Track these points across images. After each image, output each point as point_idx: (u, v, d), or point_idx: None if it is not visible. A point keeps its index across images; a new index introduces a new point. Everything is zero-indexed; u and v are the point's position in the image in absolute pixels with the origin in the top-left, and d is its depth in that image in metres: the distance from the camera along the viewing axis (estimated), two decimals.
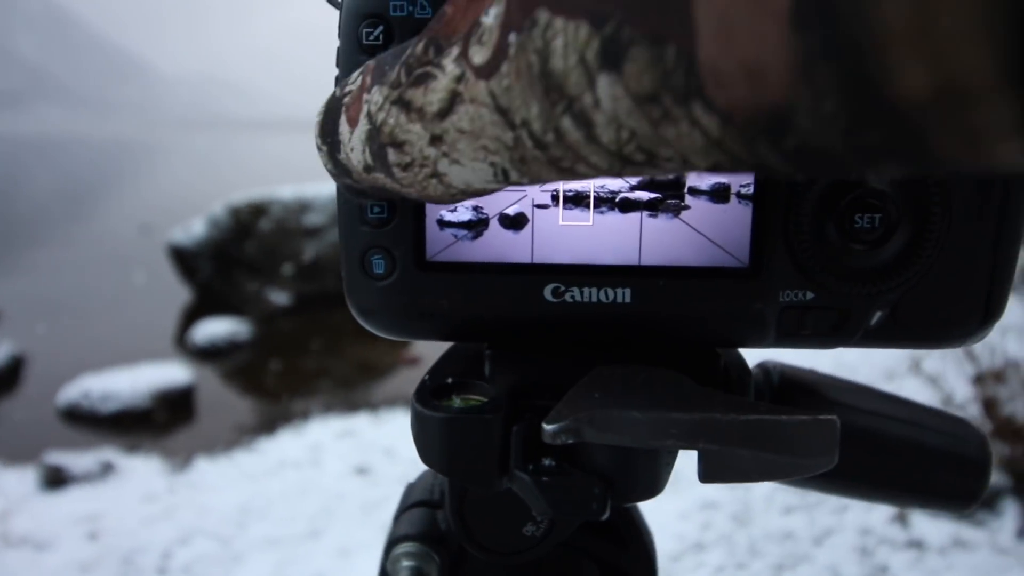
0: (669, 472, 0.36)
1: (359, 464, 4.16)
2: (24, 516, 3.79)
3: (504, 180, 0.24)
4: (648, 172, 0.21)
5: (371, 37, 0.34)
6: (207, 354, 6.89)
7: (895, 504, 0.49)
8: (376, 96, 0.26)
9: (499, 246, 0.36)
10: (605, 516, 0.32)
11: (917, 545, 2.99)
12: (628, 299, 0.36)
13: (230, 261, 8.29)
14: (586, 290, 0.36)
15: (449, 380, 0.36)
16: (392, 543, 0.43)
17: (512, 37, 0.21)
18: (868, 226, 0.34)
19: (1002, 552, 2.87)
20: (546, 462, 0.33)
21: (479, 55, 0.22)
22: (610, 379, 0.34)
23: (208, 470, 4.37)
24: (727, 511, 3.36)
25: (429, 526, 0.42)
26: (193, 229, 8.47)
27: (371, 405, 5.24)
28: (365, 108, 0.26)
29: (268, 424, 5.12)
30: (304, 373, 6.42)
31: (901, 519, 3.15)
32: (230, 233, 8.30)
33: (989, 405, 3.17)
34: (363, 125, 0.27)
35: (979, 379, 3.25)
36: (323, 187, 8.28)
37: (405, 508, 0.45)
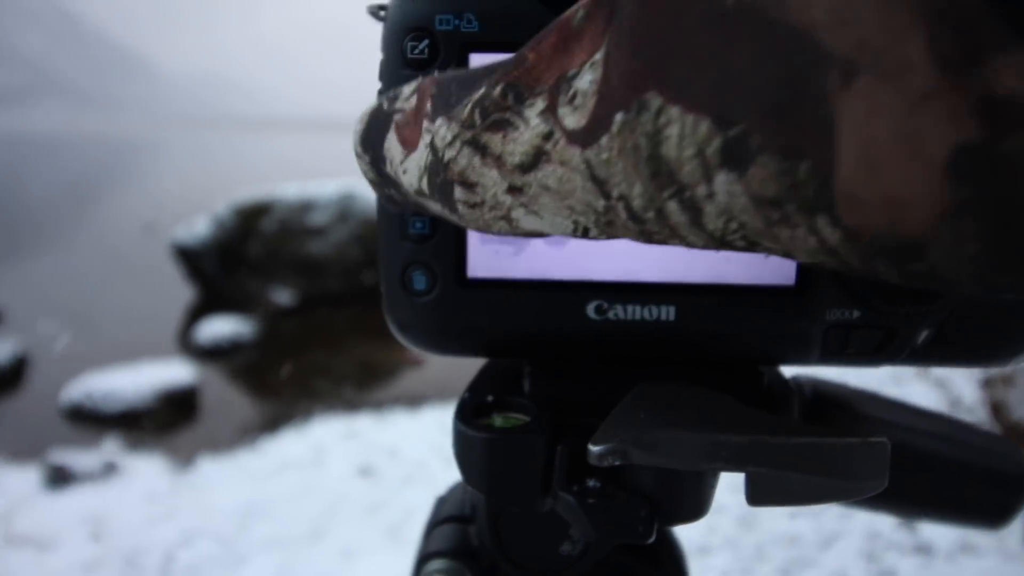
0: (713, 493, 0.35)
1: (363, 465, 4.15)
2: (27, 515, 3.79)
3: (583, 235, 0.23)
4: (741, 251, 0.20)
5: (416, 51, 0.34)
6: (210, 353, 6.90)
7: (930, 520, 0.49)
8: (443, 131, 0.25)
9: (540, 263, 0.35)
10: (651, 539, 0.32)
11: (924, 550, 2.99)
12: (672, 317, 0.35)
13: (234, 260, 8.30)
14: (630, 307, 0.35)
15: (489, 398, 0.35)
16: (424, 559, 0.42)
17: (618, 116, 0.20)
18: None
19: (1010, 558, 2.87)
20: (591, 483, 0.32)
21: (572, 119, 0.21)
22: (655, 398, 0.33)
23: (211, 470, 4.37)
24: (732, 515, 3.36)
25: (461, 542, 0.42)
26: (196, 228, 8.47)
27: (375, 405, 5.24)
28: (428, 138, 0.25)
29: (271, 424, 5.12)
30: (308, 373, 6.42)
31: (908, 524, 3.14)
32: (234, 232, 8.30)
33: (997, 409, 3.17)
34: (423, 153, 0.26)
35: (987, 383, 3.25)
36: (327, 186, 8.30)
37: (436, 523, 0.44)
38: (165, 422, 5.45)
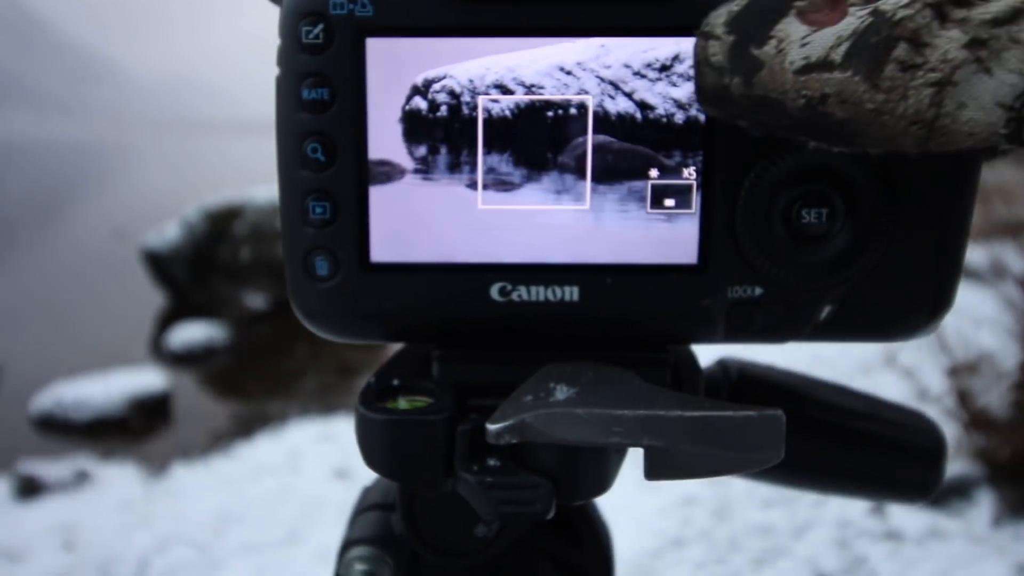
0: (618, 469, 0.35)
1: (338, 467, 4.13)
2: None
3: (1020, 105, 0.24)
4: None
5: (311, 35, 0.34)
6: (183, 359, 6.82)
7: (852, 496, 0.49)
8: None
9: (444, 246, 0.35)
10: (550, 516, 0.32)
11: (894, 536, 3.03)
12: (576, 297, 0.36)
13: (205, 265, 8.22)
14: (533, 288, 0.36)
15: (395, 382, 0.35)
16: (346, 546, 0.42)
17: None
18: (815, 221, 0.34)
19: (977, 541, 2.91)
20: (491, 462, 0.32)
21: None
22: (557, 377, 0.34)
23: (185, 477, 4.33)
24: (707, 507, 3.38)
25: (383, 529, 0.42)
26: (167, 233, 8.38)
27: (351, 408, 5.22)
28: (863, 10, 0.26)
29: (246, 429, 5.07)
30: (282, 376, 6.37)
31: (879, 511, 3.18)
32: (205, 236, 8.22)
33: (963, 397, 3.21)
34: (848, 24, 0.26)
35: (954, 371, 3.29)
36: None
37: (360, 511, 0.44)
38: (138, 429, 5.38)
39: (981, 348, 3.34)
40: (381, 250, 0.35)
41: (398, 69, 0.34)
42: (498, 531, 0.38)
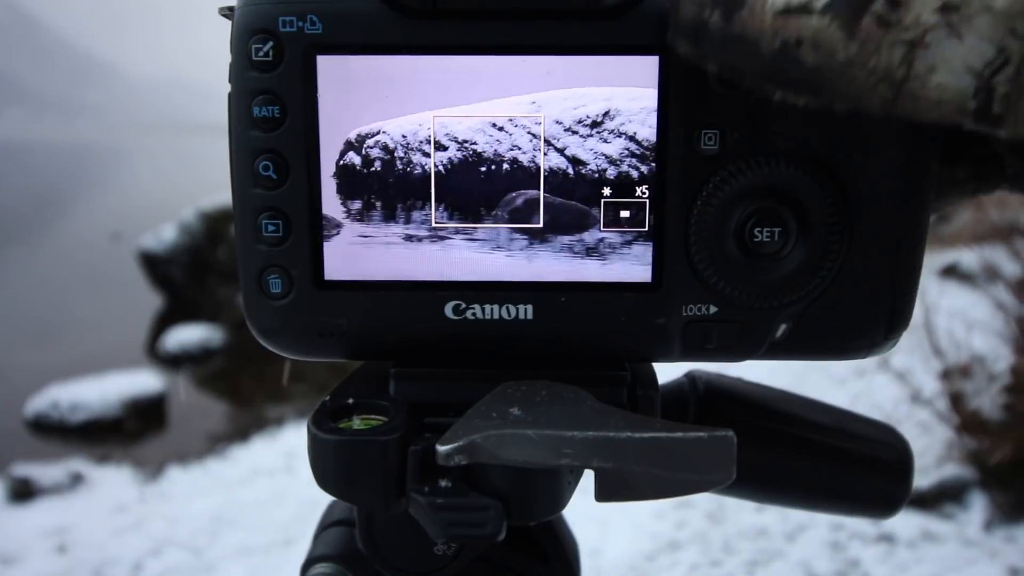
0: (573, 489, 0.35)
1: None
2: None
3: (995, 71, 0.24)
4: None
5: (261, 53, 0.33)
6: (179, 361, 6.81)
7: (819, 510, 0.49)
8: None
9: (398, 264, 0.35)
10: (501, 538, 0.32)
11: (887, 539, 3.03)
12: (530, 316, 0.36)
13: (202, 267, 8.21)
14: (487, 307, 0.35)
15: (350, 400, 0.35)
16: (309, 563, 0.42)
17: None
18: (768, 239, 0.34)
19: (970, 544, 2.91)
20: (443, 483, 0.32)
21: None
22: (511, 397, 0.33)
23: (180, 479, 4.32)
24: (701, 509, 3.38)
25: (346, 546, 0.42)
26: (164, 235, 8.38)
27: None
28: None
29: (242, 431, 5.07)
30: (278, 379, 6.35)
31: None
32: (201, 239, 8.22)
33: (956, 400, 3.22)
34: None
35: (946, 374, 3.29)
36: None
37: (324, 527, 0.44)
38: (133, 432, 5.37)
39: (973, 351, 3.35)
40: (335, 268, 0.35)
41: (349, 85, 0.34)
42: (457, 549, 0.38)
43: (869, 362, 3.67)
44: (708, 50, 0.30)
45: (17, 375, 6.38)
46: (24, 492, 4.10)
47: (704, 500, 3.46)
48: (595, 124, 0.34)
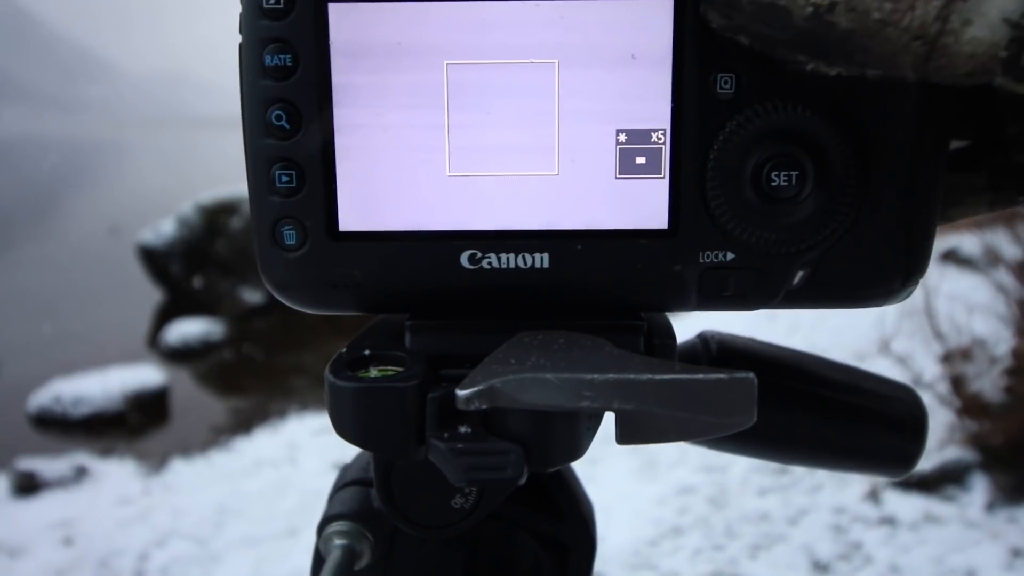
0: (591, 436, 0.35)
1: (337, 460, 4.13)
2: None
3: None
4: None
5: (271, 1, 0.33)
6: (180, 355, 6.82)
7: (833, 468, 0.49)
8: None
9: (413, 213, 0.35)
10: (522, 481, 0.32)
11: (889, 521, 3.04)
12: (547, 264, 0.35)
13: (201, 261, 8.21)
14: (503, 256, 0.35)
15: (367, 352, 0.35)
16: (325, 522, 0.42)
17: None
18: (784, 183, 0.33)
19: (972, 526, 2.92)
20: (462, 429, 0.32)
21: None
22: (529, 345, 0.33)
23: (184, 471, 4.33)
24: (703, 494, 3.39)
25: (362, 504, 0.42)
26: (163, 229, 8.37)
27: None
28: None
29: (244, 423, 5.08)
30: (280, 371, 6.37)
31: (873, 496, 3.19)
32: (200, 232, 8.21)
33: (957, 383, 3.22)
34: None
35: (947, 358, 3.30)
36: None
37: (339, 488, 0.44)
38: (136, 425, 5.38)
39: (974, 334, 3.35)
40: (349, 219, 0.35)
41: (361, 33, 0.34)
42: (475, 502, 0.38)
43: (869, 346, 3.68)
44: (740, 21, 0.29)
45: (20, 369, 6.39)
46: (29, 486, 4.11)
47: (705, 486, 3.47)
48: (609, 69, 0.34)
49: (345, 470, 0.46)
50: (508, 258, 0.35)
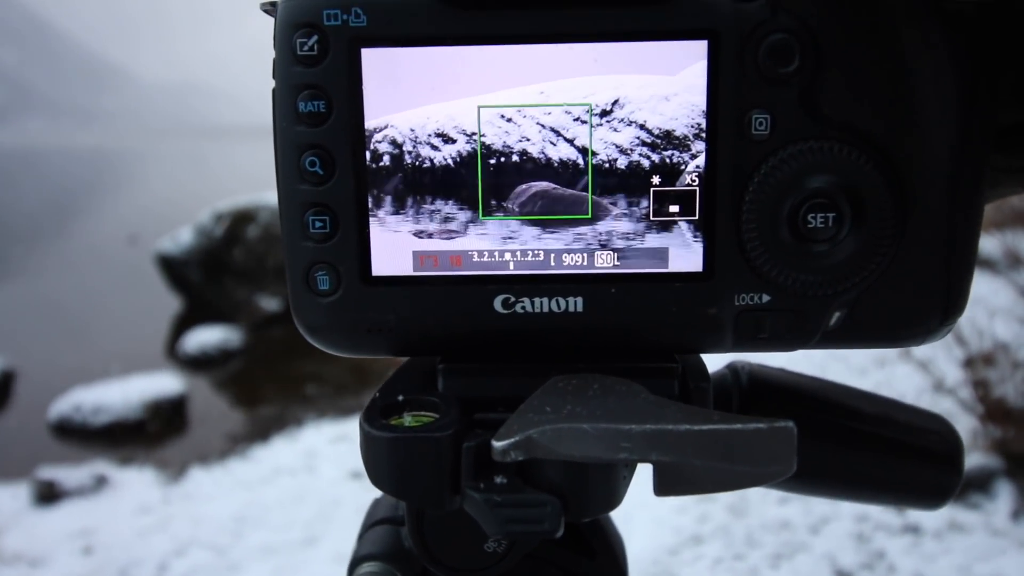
0: (627, 484, 0.35)
1: (355, 468, 4.14)
2: (17, 532, 3.77)
3: None
4: None
5: (306, 47, 0.33)
6: (199, 363, 6.87)
7: (868, 502, 0.49)
8: None
9: (446, 257, 0.35)
10: (559, 535, 0.31)
11: (913, 530, 3.00)
12: (580, 308, 0.35)
13: (219, 269, 8.27)
14: (537, 300, 0.35)
15: (400, 397, 0.35)
16: (356, 562, 0.42)
17: None
18: (821, 225, 0.33)
19: (997, 534, 2.88)
20: (498, 480, 0.32)
21: None
22: (563, 391, 0.33)
23: (203, 480, 4.35)
24: (724, 502, 3.36)
25: (393, 544, 0.42)
26: (181, 238, 8.44)
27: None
28: None
29: (262, 431, 5.10)
30: (298, 378, 6.39)
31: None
32: (218, 241, 8.27)
33: (980, 388, 3.18)
34: None
35: (969, 363, 3.26)
36: None
37: (369, 526, 0.44)
38: (155, 433, 5.42)
39: (996, 339, 3.31)
40: (383, 263, 0.35)
41: (394, 78, 0.34)
42: (508, 546, 0.38)
43: (890, 352, 3.64)
44: None
45: (40, 379, 6.45)
46: (49, 495, 4.14)
47: (725, 494, 3.44)
48: (643, 112, 0.34)
49: (375, 506, 0.45)
50: (542, 302, 0.35)
